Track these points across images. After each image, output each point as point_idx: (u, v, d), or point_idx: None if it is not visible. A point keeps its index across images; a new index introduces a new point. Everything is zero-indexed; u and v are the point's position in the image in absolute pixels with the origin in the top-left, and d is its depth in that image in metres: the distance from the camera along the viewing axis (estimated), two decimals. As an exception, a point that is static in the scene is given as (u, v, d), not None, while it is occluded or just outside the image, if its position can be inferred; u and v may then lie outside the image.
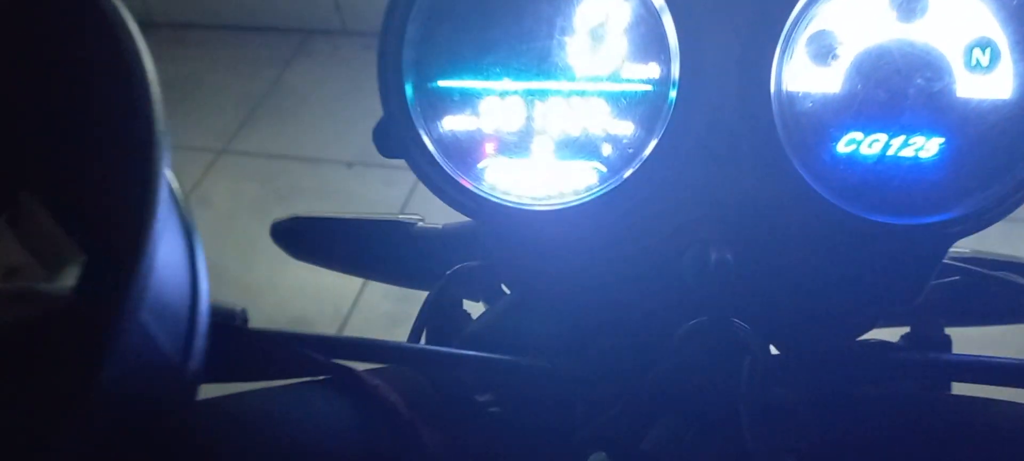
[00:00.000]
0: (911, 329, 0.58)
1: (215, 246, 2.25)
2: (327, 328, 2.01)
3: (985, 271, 0.56)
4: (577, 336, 0.50)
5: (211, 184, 2.54)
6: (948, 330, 0.58)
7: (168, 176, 0.29)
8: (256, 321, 0.40)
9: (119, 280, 0.21)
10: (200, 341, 0.28)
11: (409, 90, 0.46)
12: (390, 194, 2.25)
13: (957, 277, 0.57)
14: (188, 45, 2.99)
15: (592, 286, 0.49)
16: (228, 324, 0.37)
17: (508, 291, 0.57)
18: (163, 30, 3.02)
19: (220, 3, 2.95)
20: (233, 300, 0.41)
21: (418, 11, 0.45)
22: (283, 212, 0.72)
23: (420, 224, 0.68)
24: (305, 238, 0.69)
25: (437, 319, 0.59)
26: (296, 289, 1.98)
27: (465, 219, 0.52)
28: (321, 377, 0.41)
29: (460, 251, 0.63)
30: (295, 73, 2.82)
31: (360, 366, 0.45)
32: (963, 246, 0.64)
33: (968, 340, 0.59)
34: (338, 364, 0.40)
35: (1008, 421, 0.48)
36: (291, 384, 0.40)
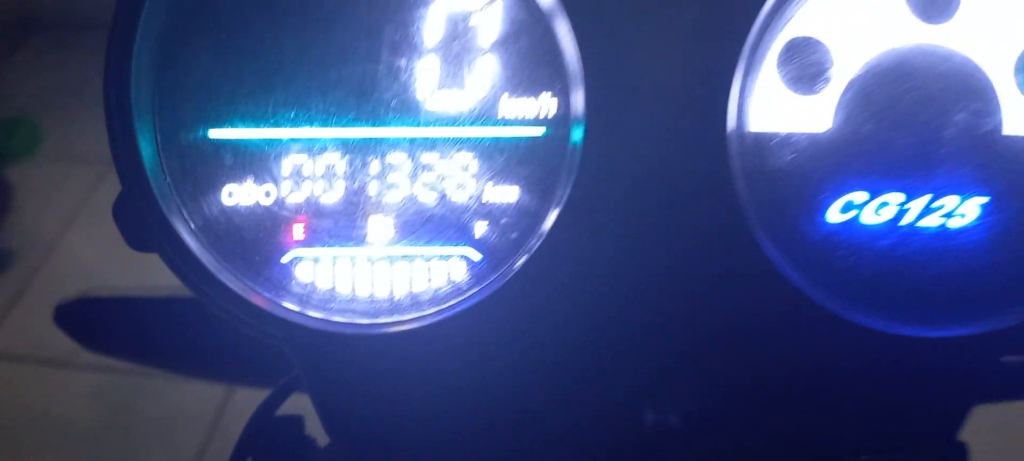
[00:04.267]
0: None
1: (107, 264, 2.04)
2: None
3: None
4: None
5: (102, 198, 2.33)
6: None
7: None
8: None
9: None
10: None
11: (147, 148, 0.28)
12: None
13: None
14: (75, 47, 2.77)
15: (462, 441, 0.32)
16: None
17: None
18: (48, 31, 2.81)
19: (110, 1, 2.72)
20: None
21: (148, 25, 0.27)
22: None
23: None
24: (99, 323, 0.51)
25: (269, 439, 0.42)
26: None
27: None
28: None
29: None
30: (194, 73, 2.62)
31: None
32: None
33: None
34: None
35: None
36: None
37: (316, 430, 0.47)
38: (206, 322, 0.51)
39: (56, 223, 2.24)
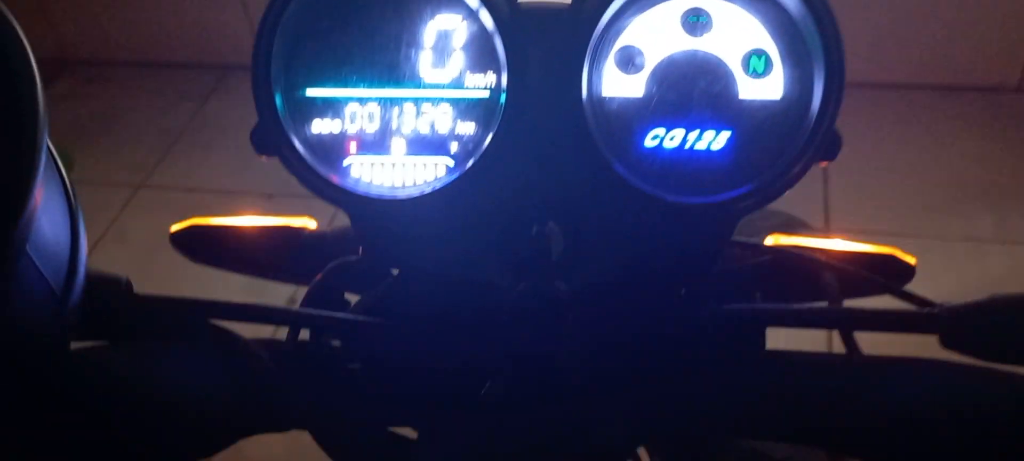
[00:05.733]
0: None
1: (133, 281, 2.25)
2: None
3: (789, 249, 0.65)
4: (435, 306, 0.58)
5: (129, 219, 2.54)
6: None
7: (54, 155, 0.36)
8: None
9: (10, 208, 0.29)
10: (79, 282, 0.34)
11: (279, 99, 0.53)
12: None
13: (768, 257, 0.67)
14: (105, 81, 2.99)
15: (447, 261, 0.57)
16: (111, 290, 0.44)
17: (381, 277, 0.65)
18: (79, 67, 3.02)
19: (136, 40, 2.96)
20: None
21: (284, 29, 0.52)
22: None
23: (310, 228, 0.75)
24: (203, 243, 0.75)
25: (318, 305, 0.66)
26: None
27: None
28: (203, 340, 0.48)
29: (345, 249, 0.71)
30: (214, 107, 2.85)
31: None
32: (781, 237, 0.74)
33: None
34: (210, 323, 0.47)
35: (796, 366, 0.57)
36: (165, 341, 0.46)
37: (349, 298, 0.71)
38: (270, 240, 0.76)
39: (86, 242, 2.47)
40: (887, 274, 0.75)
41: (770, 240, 0.77)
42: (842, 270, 0.66)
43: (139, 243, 2.44)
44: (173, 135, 2.76)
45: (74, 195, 0.37)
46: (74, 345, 0.43)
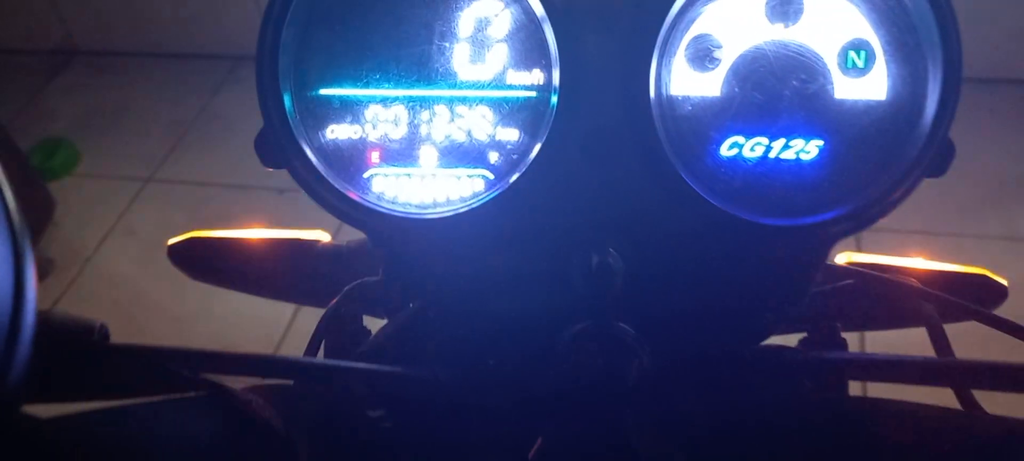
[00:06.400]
0: (808, 334, 0.58)
1: (141, 276, 2.19)
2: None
3: (877, 274, 0.56)
4: (470, 345, 0.49)
5: (137, 213, 2.48)
6: (845, 335, 0.59)
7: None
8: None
9: None
10: (24, 349, 0.26)
11: (287, 99, 0.45)
12: (323, 218, 2.23)
13: (851, 280, 0.58)
14: (113, 73, 2.93)
15: (484, 293, 0.48)
16: (82, 339, 0.36)
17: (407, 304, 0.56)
18: (86, 58, 2.96)
19: (146, 30, 2.90)
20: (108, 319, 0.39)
21: (293, 17, 0.44)
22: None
23: (323, 242, 0.67)
24: (203, 258, 0.67)
25: (335, 334, 0.58)
26: (229, 315, 1.93)
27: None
28: (191, 394, 0.40)
29: (363, 268, 0.62)
30: (224, 100, 2.78)
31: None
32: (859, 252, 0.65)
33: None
34: (207, 379, 0.39)
35: (897, 419, 0.49)
36: (154, 401, 0.38)
37: (369, 323, 0.63)
38: (278, 256, 0.68)
39: (92, 237, 2.40)
40: (978, 298, 0.67)
41: (842, 258, 0.68)
42: (936, 297, 0.56)
43: (148, 238, 2.37)
44: (182, 127, 2.69)
45: (19, 224, 0.29)
46: (37, 409, 0.34)
